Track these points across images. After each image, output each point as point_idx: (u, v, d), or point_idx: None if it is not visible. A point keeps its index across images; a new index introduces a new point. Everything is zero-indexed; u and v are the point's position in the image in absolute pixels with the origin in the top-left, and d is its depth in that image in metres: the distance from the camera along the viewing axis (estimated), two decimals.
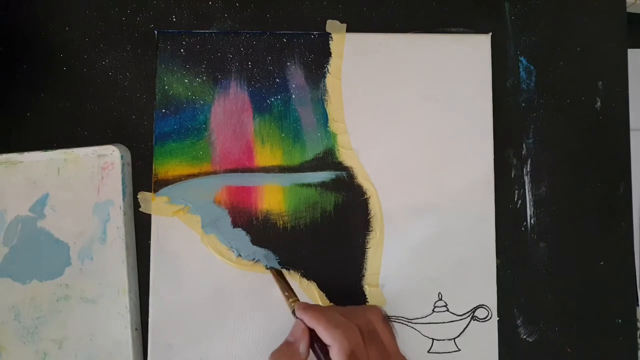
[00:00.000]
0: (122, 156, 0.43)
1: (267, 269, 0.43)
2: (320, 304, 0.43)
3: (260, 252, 0.43)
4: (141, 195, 0.44)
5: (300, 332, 0.37)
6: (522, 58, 0.46)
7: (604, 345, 0.45)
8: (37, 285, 0.43)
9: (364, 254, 0.44)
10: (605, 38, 0.47)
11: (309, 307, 0.38)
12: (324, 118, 0.45)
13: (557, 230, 0.45)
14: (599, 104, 0.46)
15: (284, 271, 0.43)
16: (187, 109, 0.44)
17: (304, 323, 0.37)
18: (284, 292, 0.41)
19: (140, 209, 0.44)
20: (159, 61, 0.45)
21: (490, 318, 0.44)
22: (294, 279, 0.43)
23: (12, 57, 0.45)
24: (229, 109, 0.44)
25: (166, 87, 0.44)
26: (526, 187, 0.46)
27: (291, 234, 0.44)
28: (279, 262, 0.43)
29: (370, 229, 0.44)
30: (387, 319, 0.42)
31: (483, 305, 0.44)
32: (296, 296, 0.40)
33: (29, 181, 0.43)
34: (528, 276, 0.45)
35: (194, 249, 0.43)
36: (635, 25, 0.50)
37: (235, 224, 0.44)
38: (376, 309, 0.40)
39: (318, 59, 0.45)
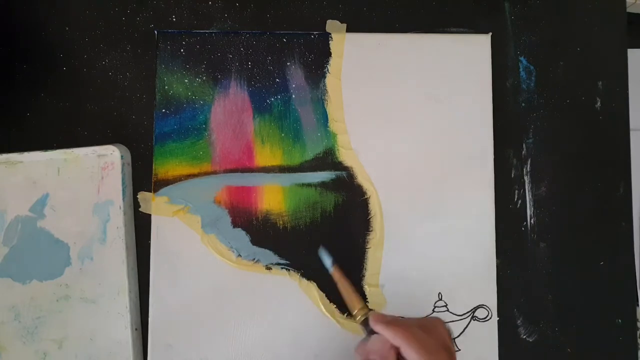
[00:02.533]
0: (122, 156, 0.43)
1: (331, 266, 0.40)
2: (321, 304, 0.43)
3: (321, 251, 0.41)
4: (141, 195, 0.44)
5: (387, 351, 0.33)
6: (522, 58, 0.46)
7: (604, 345, 0.45)
8: (37, 285, 0.43)
9: (364, 254, 0.44)
10: (605, 38, 0.47)
11: (389, 322, 0.34)
12: (324, 118, 0.45)
13: (557, 230, 0.45)
14: (599, 104, 0.46)
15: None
16: (187, 109, 0.44)
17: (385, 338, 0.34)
18: (350, 296, 0.38)
19: (140, 209, 0.44)
20: (159, 61, 0.45)
21: (490, 318, 0.44)
22: (294, 279, 0.43)
23: (12, 57, 0.45)
24: (229, 109, 0.44)
25: (166, 87, 0.44)
26: (526, 187, 0.46)
27: (291, 234, 0.44)
28: (279, 263, 0.43)
29: (370, 229, 0.44)
30: (450, 332, 0.38)
31: (483, 305, 0.44)
32: (365, 302, 0.38)
33: (29, 181, 0.43)
34: (528, 276, 0.45)
35: (194, 249, 0.43)
36: (635, 25, 0.50)
37: (235, 224, 0.44)
38: (440, 321, 0.37)
39: (318, 59, 0.45)
